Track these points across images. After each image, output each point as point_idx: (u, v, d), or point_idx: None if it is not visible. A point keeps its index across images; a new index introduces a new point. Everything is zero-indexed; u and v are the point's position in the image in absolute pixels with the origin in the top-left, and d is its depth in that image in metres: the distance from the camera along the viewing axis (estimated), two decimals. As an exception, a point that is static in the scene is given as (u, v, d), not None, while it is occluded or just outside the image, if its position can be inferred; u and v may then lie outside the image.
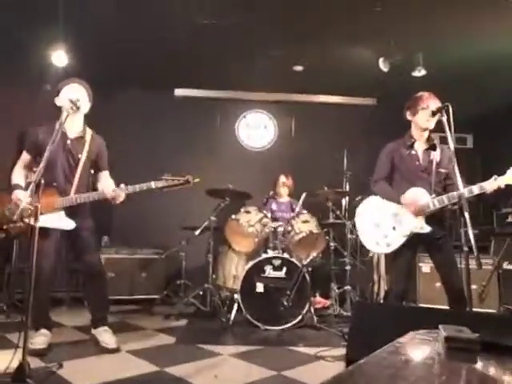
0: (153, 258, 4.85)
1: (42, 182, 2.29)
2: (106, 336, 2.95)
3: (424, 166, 2.87)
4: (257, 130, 6.05)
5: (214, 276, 4.36)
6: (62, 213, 2.88)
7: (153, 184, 2.84)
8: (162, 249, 4.94)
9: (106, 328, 3.01)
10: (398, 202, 2.84)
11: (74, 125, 2.97)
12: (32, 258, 2.26)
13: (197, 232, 4.33)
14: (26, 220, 2.74)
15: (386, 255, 4.70)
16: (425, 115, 2.81)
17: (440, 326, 0.96)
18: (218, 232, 4.38)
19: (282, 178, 4.92)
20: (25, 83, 4.93)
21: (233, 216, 4.09)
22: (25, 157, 3.02)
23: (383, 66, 4.54)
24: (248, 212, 4.07)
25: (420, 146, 2.92)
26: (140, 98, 5.64)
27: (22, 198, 2.67)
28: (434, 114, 2.69)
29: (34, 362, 2.54)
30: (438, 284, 4.13)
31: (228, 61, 5.00)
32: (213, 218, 4.30)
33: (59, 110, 2.87)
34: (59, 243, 2.96)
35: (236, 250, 4.22)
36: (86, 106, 2.99)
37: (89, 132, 3.07)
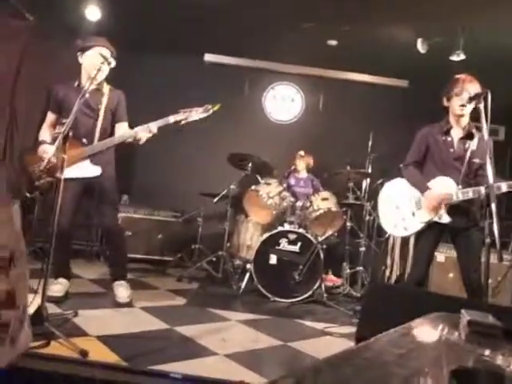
0: (170, 221, 4.92)
1: (70, 134, 2.31)
2: (119, 290, 3.03)
3: (458, 154, 2.78)
4: (284, 102, 5.97)
5: (228, 244, 4.41)
6: (88, 161, 2.92)
7: (171, 118, 2.83)
8: (180, 212, 5.00)
9: (122, 282, 3.08)
10: (422, 191, 2.80)
11: (91, 79, 2.98)
12: (55, 210, 2.32)
13: (215, 200, 4.36)
14: (54, 173, 2.80)
15: (402, 241, 4.72)
16: (458, 101, 2.71)
17: (462, 311, 0.95)
18: (236, 201, 4.40)
19: (301, 152, 4.91)
20: (58, 38, 4.92)
21: (253, 187, 4.10)
22: (49, 116, 3.08)
23: (421, 47, 4.39)
24: (268, 184, 4.07)
25: (456, 134, 2.83)
26: (169, 61, 5.58)
27: (49, 151, 2.72)
28: (470, 99, 2.60)
29: (51, 308, 2.64)
30: (452, 275, 4.13)
31: (261, 30, 4.89)
32: (232, 187, 4.31)
33: (78, 66, 2.89)
34: (80, 196, 3.01)
35: (253, 220, 4.24)
36: (111, 64, 2.98)
37: (106, 86, 3.09)
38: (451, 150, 2.80)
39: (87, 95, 2.95)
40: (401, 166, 3.00)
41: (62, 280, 2.97)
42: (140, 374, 1.85)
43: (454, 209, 2.71)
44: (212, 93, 5.54)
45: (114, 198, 3.12)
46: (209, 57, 5.74)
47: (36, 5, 4.35)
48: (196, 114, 2.83)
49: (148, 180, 5.22)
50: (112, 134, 3.08)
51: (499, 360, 0.69)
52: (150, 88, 5.29)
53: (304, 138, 5.48)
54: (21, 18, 4.23)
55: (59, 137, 2.30)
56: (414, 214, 2.83)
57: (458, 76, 2.78)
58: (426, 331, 0.94)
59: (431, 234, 2.79)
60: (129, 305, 2.97)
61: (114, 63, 2.99)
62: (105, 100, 3.02)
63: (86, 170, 2.92)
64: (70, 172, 2.81)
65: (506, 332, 0.86)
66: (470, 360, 0.69)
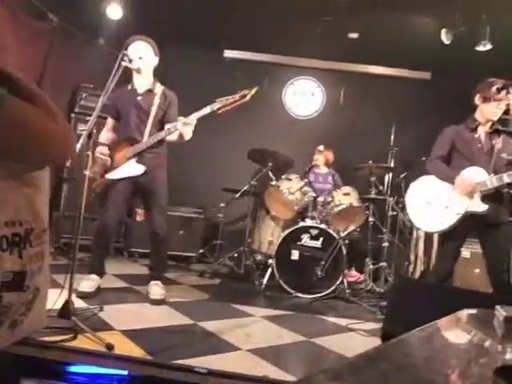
0: (192, 217, 4.94)
1: (94, 131, 2.35)
2: (155, 288, 3.04)
3: (486, 149, 2.76)
4: (304, 97, 5.92)
5: (249, 240, 4.42)
6: (133, 160, 2.95)
7: (208, 108, 2.81)
8: (202, 209, 5.02)
9: (157, 282, 3.09)
10: (452, 182, 2.75)
11: (142, 81, 3.04)
12: (81, 206, 2.36)
13: (237, 195, 4.37)
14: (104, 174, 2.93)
15: (426, 236, 4.64)
16: (495, 109, 2.67)
17: (497, 307, 0.92)
18: (257, 196, 4.40)
19: (320, 147, 4.86)
20: (81, 37, 4.98)
21: (274, 182, 4.09)
22: (109, 121, 3.17)
23: (445, 37, 4.28)
24: (289, 179, 4.05)
25: (483, 130, 2.80)
26: (189, 57, 5.60)
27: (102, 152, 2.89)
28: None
29: (78, 303, 2.69)
30: (477, 270, 4.03)
31: (280, 24, 4.85)
32: (253, 183, 4.31)
33: (129, 70, 2.92)
34: (129, 196, 3.05)
35: (274, 216, 4.23)
36: (151, 60, 3.04)
37: (160, 86, 3.11)
38: (479, 145, 2.77)
39: (139, 98, 3.00)
40: (426, 159, 2.95)
41: (94, 276, 3.01)
42: (165, 368, 1.86)
43: (486, 199, 2.65)
44: (231, 88, 5.55)
45: (164, 202, 3.12)
46: (228, 53, 5.74)
47: (58, 5, 4.42)
48: (233, 101, 2.80)
49: (170, 177, 5.25)
50: None
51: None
52: (170, 84, 5.31)
53: (325, 132, 5.43)
54: (44, 19, 4.30)
55: (83, 134, 2.33)
56: (447, 207, 2.78)
57: (500, 83, 2.68)
58: (460, 328, 0.91)
59: (461, 228, 2.73)
60: (159, 301, 2.97)
61: (152, 60, 3.03)
62: (156, 101, 3.03)
63: (131, 168, 2.96)
64: (119, 172, 2.92)
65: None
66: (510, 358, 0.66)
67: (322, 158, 4.86)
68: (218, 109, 2.79)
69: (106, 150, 2.98)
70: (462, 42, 4.33)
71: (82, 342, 2.06)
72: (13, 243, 0.84)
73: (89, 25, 4.85)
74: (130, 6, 4.49)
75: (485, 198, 2.66)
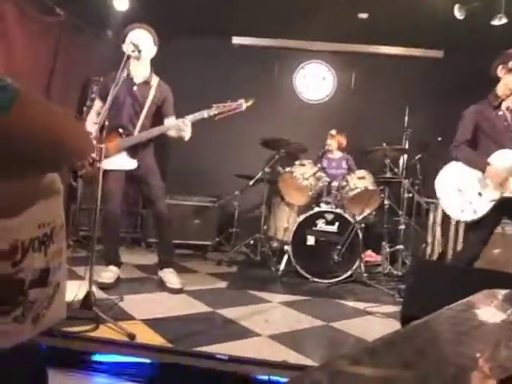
0: (206, 206, 4.96)
1: (106, 123, 2.35)
2: (170, 277, 3.08)
3: None
4: (315, 81, 5.85)
5: (265, 227, 4.42)
6: (124, 153, 2.97)
7: (205, 113, 2.86)
8: (216, 197, 5.04)
9: (171, 270, 3.14)
10: (483, 170, 2.66)
11: (140, 70, 3.03)
12: (97, 198, 2.37)
13: (251, 182, 4.36)
14: (95, 163, 2.88)
15: (443, 217, 4.58)
16: None
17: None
18: (271, 183, 4.38)
19: (333, 131, 4.81)
20: (89, 30, 4.98)
21: (287, 168, 4.06)
22: (97, 103, 3.13)
23: (459, 13, 4.15)
24: (303, 165, 4.02)
25: (507, 105, 2.68)
26: (198, 45, 5.56)
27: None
28: None
29: (99, 294, 2.74)
30: (498, 250, 3.97)
31: (288, 8, 4.77)
32: (267, 170, 4.29)
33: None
34: (125, 185, 3.09)
35: (289, 202, 4.22)
36: (150, 50, 3.01)
37: (155, 78, 3.11)
38: (505, 123, 2.66)
39: (135, 88, 3.01)
40: (452, 145, 2.86)
41: (112, 267, 3.06)
42: (186, 355, 1.89)
43: None
44: (241, 75, 5.51)
45: (160, 190, 3.14)
46: (237, 39, 5.68)
47: (65, -1, 4.42)
48: (229, 109, 2.86)
49: (182, 166, 5.27)
50: (154, 127, 3.11)
51: None
52: (180, 74, 5.29)
53: (337, 116, 5.37)
54: (52, 14, 4.31)
55: (96, 127, 2.34)
56: (480, 195, 2.69)
57: None
58: (485, 309, 0.89)
59: (496, 213, 2.65)
60: (180, 290, 3.01)
61: (150, 50, 3.00)
62: (152, 93, 3.04)
63: (122, 162, 2.98)
64: (110, 163, 2.90)
65: None
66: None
67: (334, 142, 4.81)
68: (215, 115, 2.84)
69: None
70: (476, 17, 4.21)
71: (105, 332, 2.10)
72: (41, 243, 0.88)
73: (96, 18, 4.84)
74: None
75: None
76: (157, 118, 3.14)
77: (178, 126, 2.89)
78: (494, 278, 1.40)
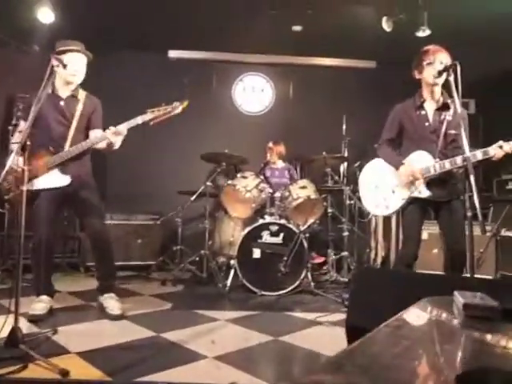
0: (148, 224, 4.79)
1: (28, 143, 2.18)
2: (110, 302, 2.90)
3: (433, 127, 2.73)
4: (254, 93, 5.87)
5: (210, 242, 4.32)
6: (56, 170, 2.79)
7: (140, 119, 2.72)
8: (158, 215, 4.88)
9: (111, 295, 2.96)
10: (397, 168, 2.77)
11: (66, 85, 2.89)
12: (20, 224, 2.19)
13: (192, 198, 4.25)
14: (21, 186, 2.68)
15: (384, 221, 4.72)
16: (431, 70, 2.64)
17: (455, 293, 0.89)
18: (214, 197, 4.30)
19: (270, 144, 4.83)
20: (13, 44, 4.70)
21: (229, 181, 4.00)
22: (21, 124, 2.94)
23: (386, 25, 4.35)
24: (245, 177, 3.98)
25: (430, 106, 2.77)
26: (132, 60, 5.42)
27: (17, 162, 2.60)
28: (440, 73, 2.56)
29: (29, 328, 2.52)
30: (435, 251, 4.13)
31: (224, 21, 4.77)
32: (209, 184, 4.21)
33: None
34: (57, 206, 2.88)
35: (232, 215, 4.15)
36: (84, 72, 2.93)
37: (82, 92, 2.97)
38: (426, 123, 2.75)
39: (62, 103, 2.85)
40: (376, 145, 2.97)
41: (44, 297, 2.83)
42: (125, 388, 1.75)
43: (434, 182, 2.68)
44: (179, 89, 5.41)
45: (97, 207, 2.97)
46: (173, 53, 5.59)
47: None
48: (164, 112, 2.73)
49: (121, 186, 5.06)
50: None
51: (501, 347, 0.63)
52: (113, 87, 5.11)
53: (277, 127, 5.41)
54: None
55: (16, 147, 2.16)
56: (393, 192, 2.81)
57: (427, 47, 2.73)
58: (421, 322, 0.86)
59: (416, 210, 2.74)
60: (119, 316, 2.83)
61: (82, 76, 2.92)
62: (80, 107, 2.90)
63: (55, 179, 2.79)
64: (41, 182, 2.73)
65: (505, 312, 0.80)
66: (471, 354, 0.62)
67: (274, 154, 4.82)
68: (150, 120, 2.71)
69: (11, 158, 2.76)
70: (402, 29, 4.42)
71: (34, 372, 1.91)
72: None
73: (21, 31, 4.58)
74: (62, 9, 4.25)
75: (431, 180, 2.68)
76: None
77: (105, 137, 2.74)
78: (432, 281, 1.41)
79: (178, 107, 2.75)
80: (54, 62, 2.53)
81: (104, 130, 2.85)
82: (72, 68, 2.76)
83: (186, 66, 5.56)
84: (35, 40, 4.67)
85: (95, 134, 2.95)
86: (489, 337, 0.69)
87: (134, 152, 4.74)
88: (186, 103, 2.78)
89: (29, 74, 4.47)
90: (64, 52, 2.79)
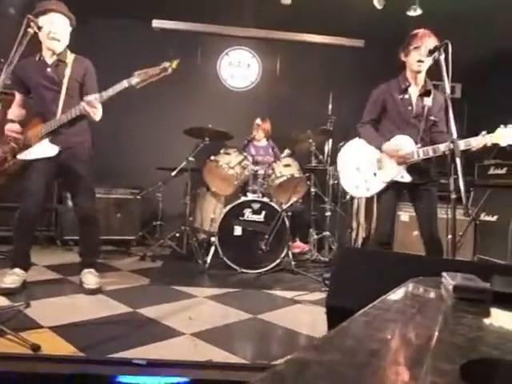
0: (128, 199, 4.68)
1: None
2: (88, 277, 2.83)
3: (416, 112, 2.72)
4: (240, 68, 5.73)
5: (191, 218, 4.26)
6: (46, 140, 2.68)
7: (126, 82, 2.54)
8: (138, 189, 4.77)
9: (91, 270, 2.88)
10: (380, 149, 2.74)
11: (51, 51, 2.74)
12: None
13: (173, 173, 4.14)
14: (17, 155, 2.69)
15: (366, 203, 4.71)
16: (416, 56, 2.62)
17: (444, 274, 0.86)
18: (196, 173, 4.22)
19: (258, 121, 4.74)
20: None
21: (212, 157, 3.92)
22: (16, 96, 2.88)
23: (377, 3, 4.25)
24: (228, 153, 3.90)
25: (414, 91, 2.75)
26: (115, 28, 5.20)
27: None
28: (430, 53, 2.50)
29: (1, 301, 2.44)
30: (416, 233, 4.15)
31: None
32: (191, 159, 4.11)
33: (36, 38, 2.58)
34: (49, 177, 2.78)
35: (214, 192, 4.08)
36: (67, 36, 2.78)
37: (70, 55, 2.81)
38: (409, 108, 2.74)
39: (49, 69, 2.72)
40: (357, 125, 2.92)
41: (17, 270, 2.73)
42: (97, 363, 1.71)
43: (412, 167, 2.69)
44: (163, 60, 5.23)
45: (87, 183, 2.85)
46: (157, 23, 5.38)
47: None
48: (153, 74, 2.55)
49: (102, 159, 4.86)
50: None
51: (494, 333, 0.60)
52: (96, 56, 4.91)
53: (263, 103, 5.31)
54: None
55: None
56: (375, 175, 2.79)
57: (416, 31, 2.68)
58: (409, 304, 0.82)
59: (391, 193, 2.76)
60: (95, 290, 2.76)
61: (67, 36, 2.78)
62: (68, 71, 2.74)
63: (44, 149, 2.68)
64: (31, 152, 2.66)
65: (496, 295, 0.77)
66: (468, 340, 0.59)
67: (261, 131, 4.75)
68: (137, 83, 2.53)
69: (16, 126, 2.69)
70: (393, 8, 4.33)
71: (3, 346, 1.84)
72: None
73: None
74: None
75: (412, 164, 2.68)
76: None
77: (91, 102, 2.60)
78: (413, 262, 1.38)
79: (168, 68, 2.56)
80: (27, 23, 2.38)
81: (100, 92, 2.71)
82: (48, 29, 2.59)
83: (171, 37, 5.36)
84: (11, 2, 4.42)
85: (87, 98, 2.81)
86: (483, 321, 0.66)
87: (117, 125, 4.60)
88: (175, 62, 2.58)
89: (3, 38, 4.27)
90: (44, 13, 2.62)
